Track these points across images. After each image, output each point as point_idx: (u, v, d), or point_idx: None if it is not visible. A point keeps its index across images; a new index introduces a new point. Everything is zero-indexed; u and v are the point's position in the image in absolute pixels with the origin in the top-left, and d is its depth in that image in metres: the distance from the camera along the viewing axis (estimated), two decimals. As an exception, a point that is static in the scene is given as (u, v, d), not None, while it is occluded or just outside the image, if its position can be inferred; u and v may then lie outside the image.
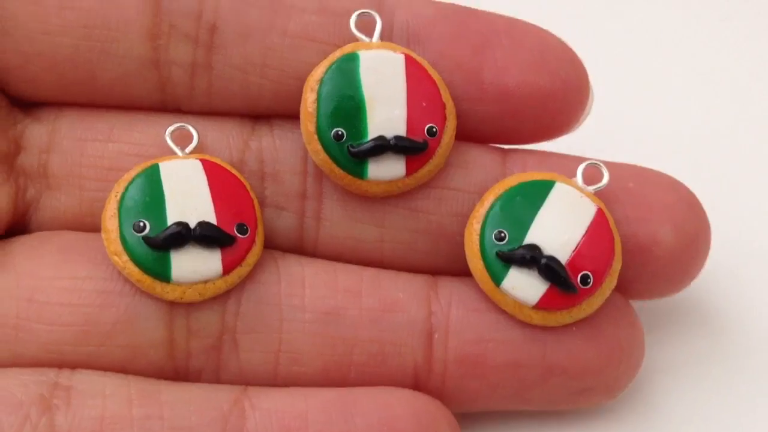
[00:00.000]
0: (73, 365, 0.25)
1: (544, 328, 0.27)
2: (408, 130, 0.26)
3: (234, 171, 0.26)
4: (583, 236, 0.26)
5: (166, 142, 0.26)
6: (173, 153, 0.26)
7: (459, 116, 0.27)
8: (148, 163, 0.26)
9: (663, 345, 0.31)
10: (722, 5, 0.38)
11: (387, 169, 0.26)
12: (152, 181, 0.26)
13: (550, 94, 0.27)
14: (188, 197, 0.26)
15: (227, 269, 0.25)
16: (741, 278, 0.32)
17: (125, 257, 0.25)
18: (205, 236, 0.25)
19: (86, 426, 0.24)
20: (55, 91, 0.26)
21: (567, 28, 0.29)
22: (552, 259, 0.26)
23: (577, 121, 0.28)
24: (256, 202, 0.26)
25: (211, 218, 0.25)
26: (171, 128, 0.26)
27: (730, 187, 0.34)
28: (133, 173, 0.26)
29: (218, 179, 0.26)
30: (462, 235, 0.27)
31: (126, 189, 0.26)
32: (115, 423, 0.24)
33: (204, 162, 0.26)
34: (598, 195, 0.27)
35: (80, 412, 0.24)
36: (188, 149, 0.26)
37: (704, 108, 0.36)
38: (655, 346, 0.30)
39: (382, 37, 0.27)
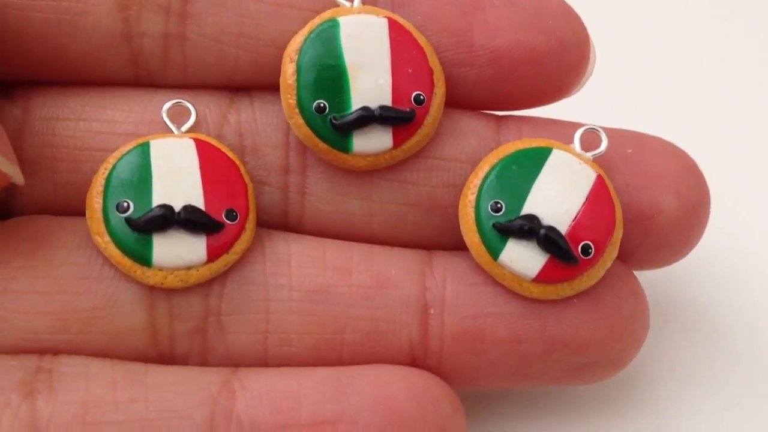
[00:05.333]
0: (54, 353, 0.25)
1: (544, 301, 0.26)
2: (393, 99, 0.25)
3: (230, 154, 0.26)
4: (583, 205, 0.26)
5: (140, 117, 0.26)
6: (168, 131, 0.26)
7: (449, 82, 0.26)
8: (140, 140, 0.25)
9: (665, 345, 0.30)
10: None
11: (373, 142, 0.25)
12: (141, 159, 0.25)
13: (546, 54, 0.26)
14: (177, 178, 0.25)
15: (212, 256, 0.25)
16: (741, 271, 0.31)
17: (107, 238, 0.25)
18: (190, 221, 0.25)
19: (68, 410, 0.24)
20: (25, 68, 0.26)
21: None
22: (551, 229, 0.25)
23: (577, 84, 0.27)
24: (250, 187, 0.26)
25: (199, 202, 0.25)
26: (168, 104, 0.26)
27: (731, 159, 0.32)
28: (123, 149, 0.25)
29: (211, 161, 0.25)
30: (455, 207, 0.26)
31: (114, 166, 0.25)
32: (98, 406, 0.24)
33: (198, 142, 0.25)
34: (597, 161, 0.26)
35: (62, 396, 0.24)
36: (184, 127, 0.26)
37: (710, 74, 0.34)
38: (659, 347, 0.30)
39: (364, 1, 0.26)
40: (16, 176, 0.24)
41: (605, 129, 0.27)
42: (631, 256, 0.27)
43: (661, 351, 0.29)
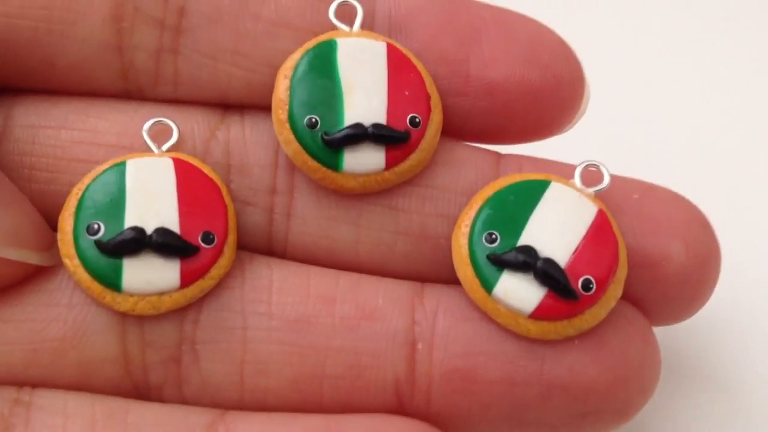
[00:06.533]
0: (32, 386, 0.24)
1: (543, 342, 0.25)
2: (388, 119, 0.25)
3: (212, 174, 0.25)
4: (583, 238, 0.24)
5: (124, 128, 0.25)
6: (147, 147, 0.25)
7: (444, 112, 0.26)
8: (117, 160, 0.25)
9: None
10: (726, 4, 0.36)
11: (364, 161, 0.25)
12: (116, 179, 0.24)
13: (540, 89, 0.26)
14: (151, 200, 0.24)
15: (186, 282, 0.24)
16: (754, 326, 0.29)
17: (76, 261, 0.24)
18: (162, 244, 0.23)
19: None
20: (13, 77, 0.25)
21: (563, 21, 0.28)
22: (548, 262, 0.24)
23: (570, 120, 0.27)
24: (231, 209, 0.25)
25: (174, 224, 0.24)
26: (148, 123, 0.25)
27: (739, 210, 0.31)
28: (99, 169, 0.24)
29: (190, 182, 0.24)
30: (448, 239, 0.25)
31: (88, 187, 0.24)
32: None
33: (177, 162, 0.24)
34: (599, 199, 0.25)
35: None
36: (166, 146, 0.25)
37: (712, 113, 0.33)
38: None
39: (363, 28, 0.26)
40: (45, 261, 0.23)
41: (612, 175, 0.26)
42: (639, 308, 0.25)
43: (671, 407, 0.27)
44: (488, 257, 0.24)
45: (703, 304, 0.26)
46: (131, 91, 0.26)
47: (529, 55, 0.26)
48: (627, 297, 0.25)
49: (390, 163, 0.24)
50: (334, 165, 0.24)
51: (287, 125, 0.24)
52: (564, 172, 0.26)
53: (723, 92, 0.34)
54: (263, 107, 0.25)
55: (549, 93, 0.26)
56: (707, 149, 0.33)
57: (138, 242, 0.23)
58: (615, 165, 0.27)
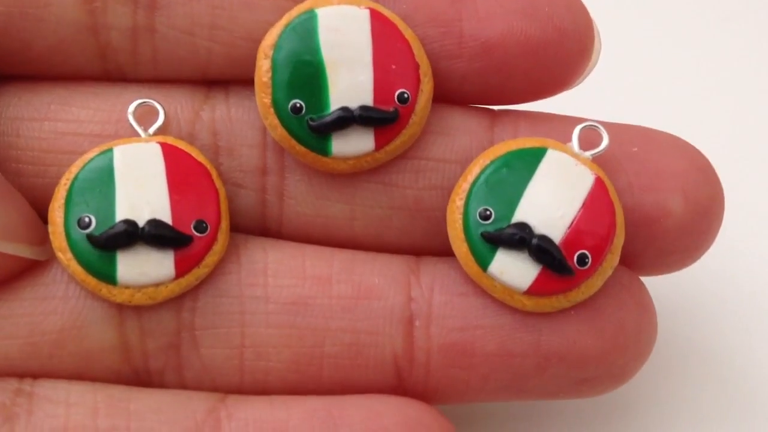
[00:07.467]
0: (34, 377, 0.24)
1: (538, 313, 0.25)
2: (375, 98, 0.24)
3: (201, 158, 0.24)
4: (580, 210, 0.24)
5: (108, 116, 0.24)
6: (134, 132, 0.24)
7: (437, 76, 0.25)
8: (103, 147, 0.24)
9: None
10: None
11: (353, 144, 0.24)
12: (104, 168, 0.24)
13: (542, 44, 0.24)
14: (142, 188, 0.24)
15: (181, 272, 0.24)
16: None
17: (69, 254, 0.24)
18: (155, 236, 0.23)
19: None
20: None
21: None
22: (543, 239, 0.24)
23: (578, 75, 0.26)
24: (222, 193, 0.24)
25: (166, 214, 0.23)
26: (134, 105, 0.24)
27: (748, 159, 0.30)
28: (86, 158, 0.24)
29: (179, 167, 0.24)
30: (443, 210, 0.25)
31: (76, 177, 0.24)
32: None
33: (164, 146, 0.24)
34: (598, 161, 0.25)
35: (41, 422, 0.23)
36: (152, 129, 0.24)
37: (726, 66, 0.32)
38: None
39: (347, -10, 0.24)
40: (38, 255, 0.23)
41: (609, 125, 0.25)
42: (636, 262, 0.25)
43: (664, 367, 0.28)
44: (483, 235, 0.24)
45: (703, 253, 0.26)
46: (111, 71, 0.25)
47: (527, 8, 0.24)
48: (624, 252, 0.25)
49: (379, 144, 0.24)
50: (323, 150, 0.24)
51: (272, 110, 0.24)
52: (562, 128, 0.25)
53: (741, 44, 0.32)
54: (246, 82, 0.25)
55: (552, 47, 0.24)
56: (719, 98, 0.31)
57: (130, 235, 0.23)
58: (621, 115, 0.26)
